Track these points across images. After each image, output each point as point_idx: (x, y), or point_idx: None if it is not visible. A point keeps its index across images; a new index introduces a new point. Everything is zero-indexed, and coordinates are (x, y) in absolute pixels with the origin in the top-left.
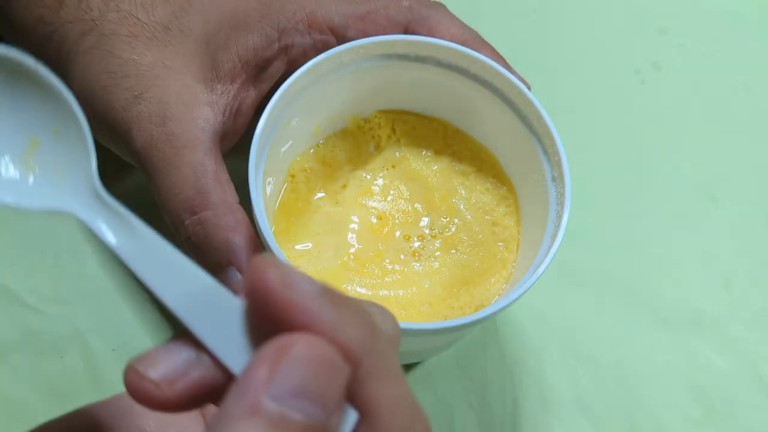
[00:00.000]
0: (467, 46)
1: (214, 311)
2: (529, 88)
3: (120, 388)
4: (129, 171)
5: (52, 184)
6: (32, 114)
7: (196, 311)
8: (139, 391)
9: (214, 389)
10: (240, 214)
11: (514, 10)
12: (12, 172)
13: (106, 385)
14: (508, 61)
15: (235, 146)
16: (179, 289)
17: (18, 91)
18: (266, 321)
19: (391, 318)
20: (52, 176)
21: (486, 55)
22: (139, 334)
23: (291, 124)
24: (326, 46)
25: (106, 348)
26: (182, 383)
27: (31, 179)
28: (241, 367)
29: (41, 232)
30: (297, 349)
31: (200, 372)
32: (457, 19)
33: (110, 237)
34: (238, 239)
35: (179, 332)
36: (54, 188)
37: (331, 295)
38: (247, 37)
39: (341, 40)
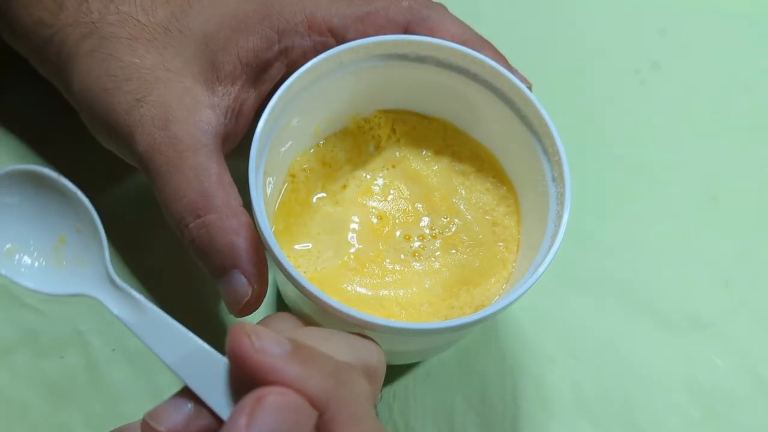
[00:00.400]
0: (468, 46)
1: (206, 370)
2: (530, 88)
3: (120, 387)
4: (131, 172)
5: (76, 274)
6: (58, 216)
7: (192, 371)
8: None
9: None
10: (244, 217)
11: (514, 10)
12: (45, 266)
13: (106, 385)
14: (508, 60)
15: (235, 147)
16: (177, 353)
17: (46, 199)
18: (245, 378)
19: (375, 350)
20: (76, 267)
21: (487, 55)
22: None
23: (291, 123)
24: (326, 48)
25: (106, 348)
26: None
27: (60, 271)
28: (226, 411)
29: None
30: (269, 399)
31: (200, 422)
32: (458, 20)
33: (122, 314)
34: (242, 242)
35: (183, 388)
36: (77, 277)
37: (298, 352)
38: (248, 38)
39: (341, 41)
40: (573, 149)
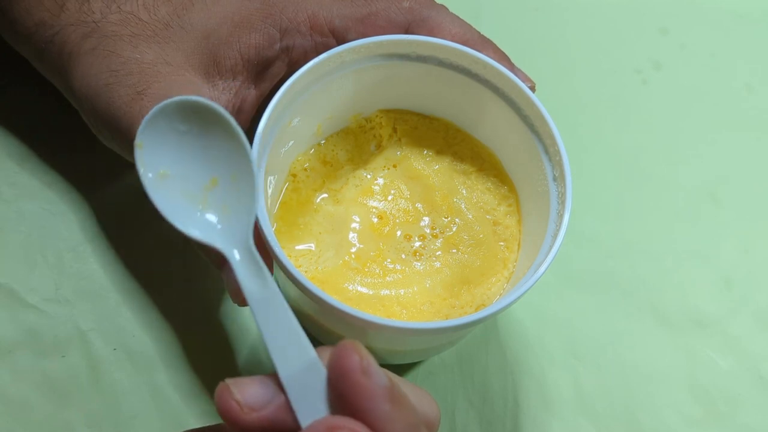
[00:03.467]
0: (469, 46)
1: (305, 374)
2: (533, 87)
3: (120, 386)
4: (131, 170)
5: (215, 221)
6: (219, 158)
7: (291, 369)
8: (225, 405)
9: (277, 430)
10: None
11: (515, 9)
12: (188, 202)
13: (107, 385)
14: (510, 60)
15: None
16: (284, 346)
17: (211, 137)
18: (338, 393)
19: (435, 406)
20: (219, 214)
21: (488, 54)
22: (140, 334)
23: (292, 123)
24: (327, 49)
25: (107, 347)
26: (257, 415)
27: (201, 210)
28: (307, 424)
29: (43, 231)
30: None
31: (272, 410)
32: (459, 19)
33: (247, 283)
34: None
35: (270, 371)
36: (215, 225)
37: (394, 392)
38: (250, 35)
39: (342, 42)
40: (574, 149)
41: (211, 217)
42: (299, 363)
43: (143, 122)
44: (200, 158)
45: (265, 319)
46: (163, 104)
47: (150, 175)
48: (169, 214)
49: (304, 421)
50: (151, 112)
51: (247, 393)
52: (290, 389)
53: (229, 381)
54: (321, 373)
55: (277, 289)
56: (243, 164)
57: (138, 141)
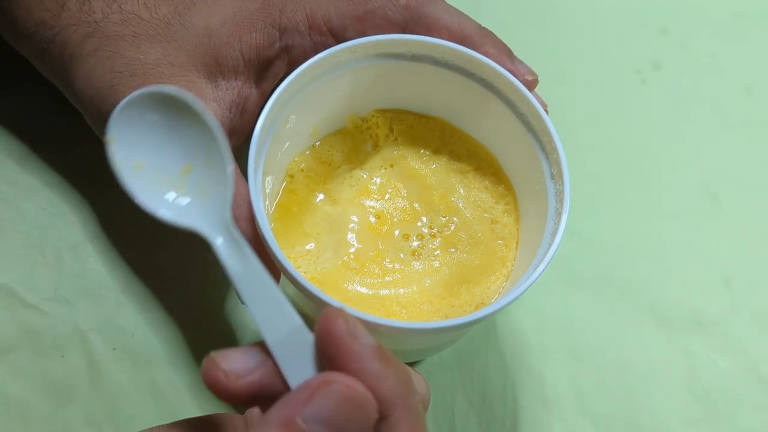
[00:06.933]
0: (468, 38)
1: (291, 339)
2: (536, 80)
3: (120, 386)
4: None
5: (193, 205)
6: (192, 145)
7: (277, 335)
8: (211, 377)
9: (267, 395)
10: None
11: (515, 9)
12: (165, 187)
13: (107, 384)
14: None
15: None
16: (269, 315)
17: (184, 125)
18: (326, 357)
19: (425, 384)
20: (196, 198)
21: (488, 47)
22: (140, 334)
23: (289, 124)
24: (326, 48)
25: (107, 347)
26: (244, 381)
27: (178, 197)
28: (296, 386)
29: (43, 231)
30: (334, 387)
31: (260, 375)
32: (456, 11)
33: (228, 261)
34: (252, 230)
35: (256, 340)
36: (193, 209)
37: (382, 352)
38: (250, 35)
39: (340, 41)
40: (573, 148)
41: (190, 202)
42: (285, 328)
43: (112, 116)
44: (173, 146)
45: (249, 293)
46: (131, 96)
47: (125, 166)
48: (148, 204)
49: (294, 382)
50: (119, 106)
51: (232, 362)
52: (278, 354)
53: (213, 353)
54: (308, 339)
55: (259, 264)
56: (214, 149)
57: (110, 135)
